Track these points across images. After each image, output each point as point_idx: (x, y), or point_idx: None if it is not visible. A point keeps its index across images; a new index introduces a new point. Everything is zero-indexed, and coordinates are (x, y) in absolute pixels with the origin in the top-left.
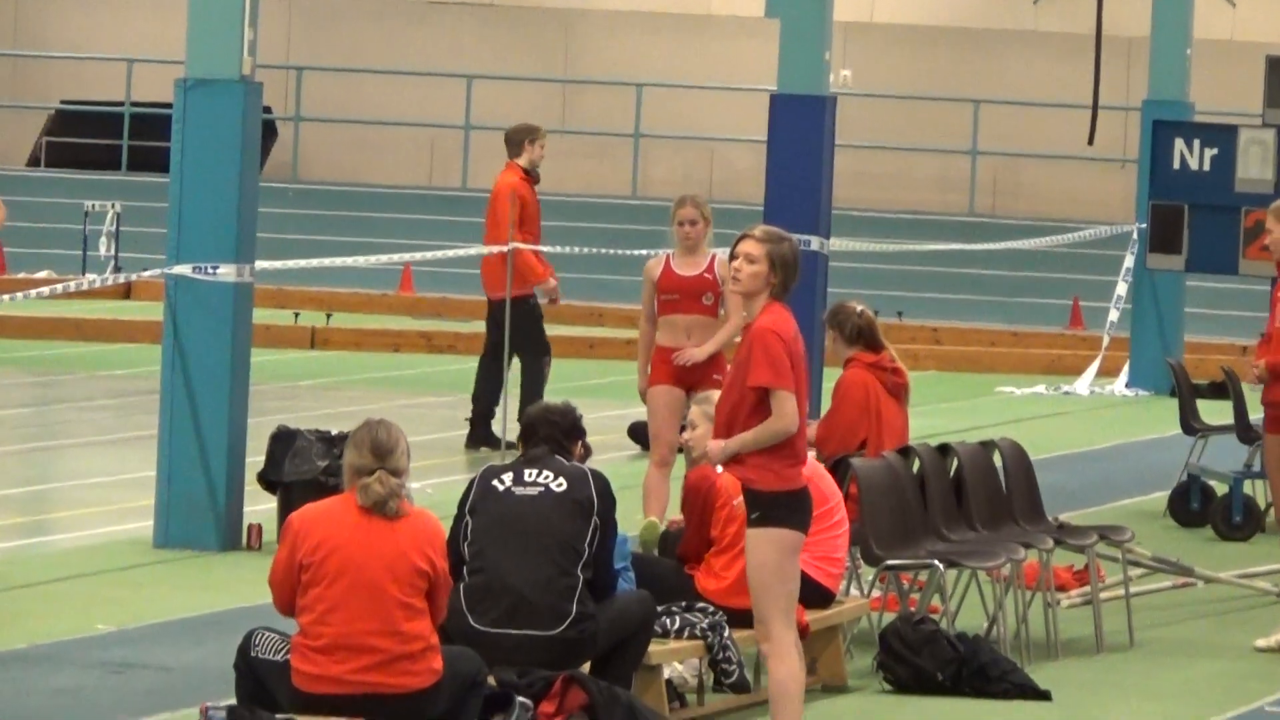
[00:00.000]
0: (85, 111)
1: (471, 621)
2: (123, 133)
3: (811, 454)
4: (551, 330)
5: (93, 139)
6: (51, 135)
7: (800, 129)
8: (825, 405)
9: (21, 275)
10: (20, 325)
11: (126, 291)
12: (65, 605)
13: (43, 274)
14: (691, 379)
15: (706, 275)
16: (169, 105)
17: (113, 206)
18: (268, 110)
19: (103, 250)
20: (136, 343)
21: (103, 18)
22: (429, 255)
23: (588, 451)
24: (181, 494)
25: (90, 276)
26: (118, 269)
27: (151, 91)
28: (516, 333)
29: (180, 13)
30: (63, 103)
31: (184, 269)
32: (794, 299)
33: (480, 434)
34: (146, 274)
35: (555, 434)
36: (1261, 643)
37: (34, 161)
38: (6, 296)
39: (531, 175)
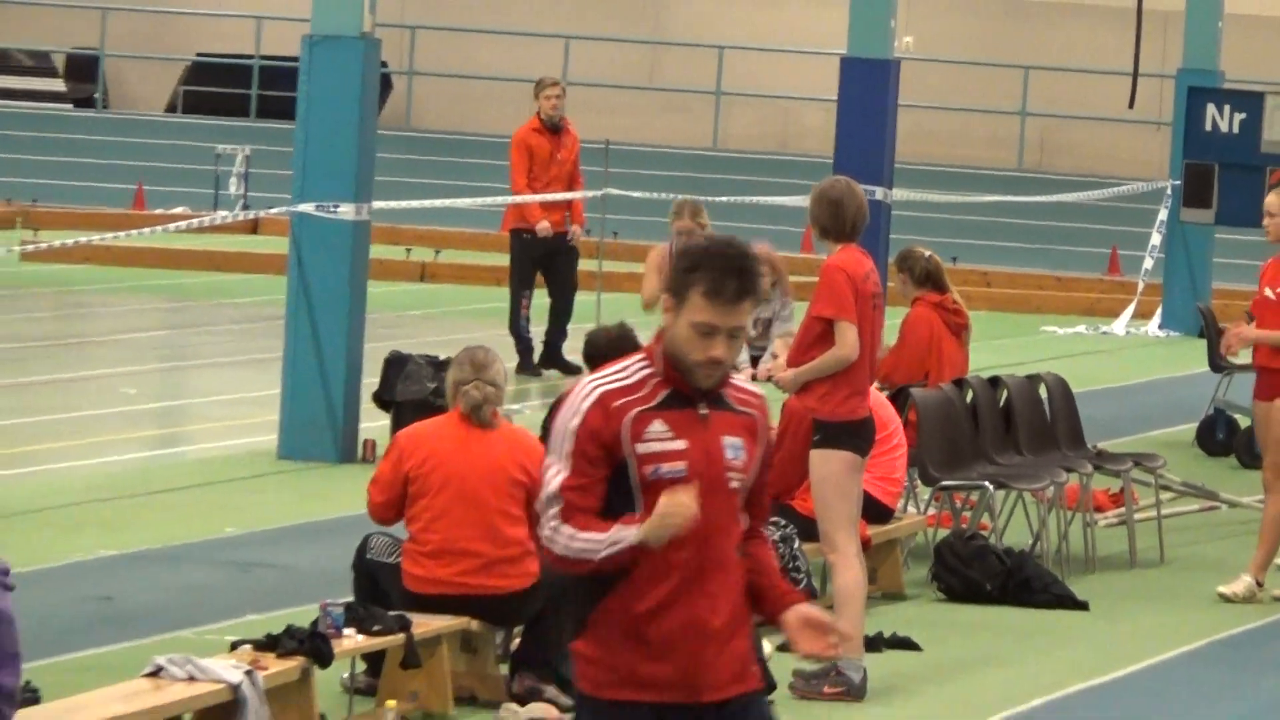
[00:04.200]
0: (219, 64)
1: None
2: (253, 83)
3: (874, 384)
4: (635, 269)
5: (225, 89)
6: (188, 85)
7: (867, 90)
8: (891, 341)
9: (159, 211)
10: (158, 256)
11: (254, 227)
12: (197, 510)
13: (178, 210)
14: None
15: None
16: (295, 59)
17: (242, 150)
18: (384, 65)
19: (233, 190)
20: (262, 274)
21: None
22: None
23: None
24: (303, 411)
25: (221, 213)
26: (246, 207)
27: (280, 46)
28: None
29: None
30: (198, 55)
31: (308, 207)
32: (860, 243)
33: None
34: (273, 211)
35: (625, 355)
36: (1224, 590)
37: (171, 108)
38: (146, 230)
39: (546, 124)
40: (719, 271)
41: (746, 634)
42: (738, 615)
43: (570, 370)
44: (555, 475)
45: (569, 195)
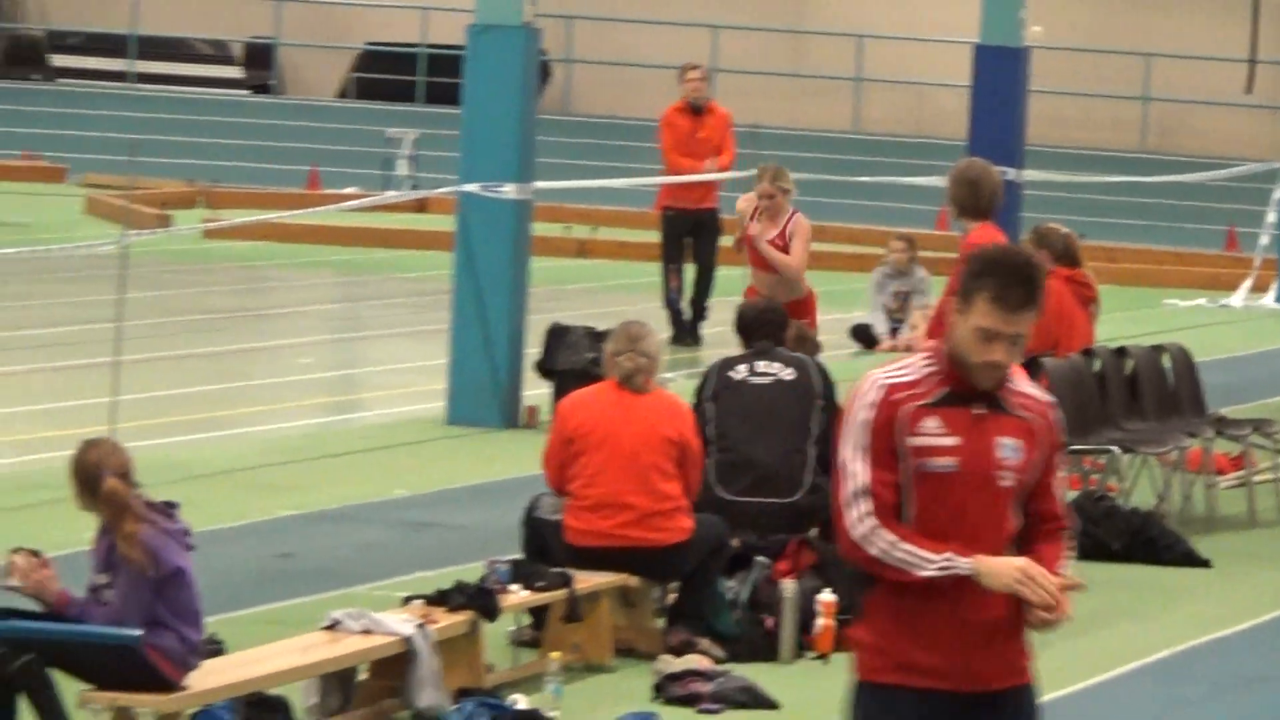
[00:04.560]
0: (388, 52)
1: (719, 492)
2: (420, 70)
3: None
4: None
5: (394, 75)
6: (358, 72)
7: (999, 76)
8: None
9: (332, 191)
10: (331, 233)
11: (422, 206)
12: (369, 472)
13: (350, 190)
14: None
15: (777, 241)
16: (461, 47)
17: (411, 134)
18: (544, 53)
19: (402, 171)
20: (430, 250)
21: None
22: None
23: (817, 346)
24: (469, 379)
25: (391, 193)
26: (415, 187)
27: (446, 35)
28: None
29: None
30: (369, 44)
31: (473, 187)
32: (994, 220)
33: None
34: (440, 191)
35: (771, 329)
36: None
37: (343, 94)
38: (320, 208)
39: (691, 106)
40: (1005, 279)
41: (1019, 627)
42: (1010, 609)
43: (697, 341)
44: (860, 469)
45: (713, 175)
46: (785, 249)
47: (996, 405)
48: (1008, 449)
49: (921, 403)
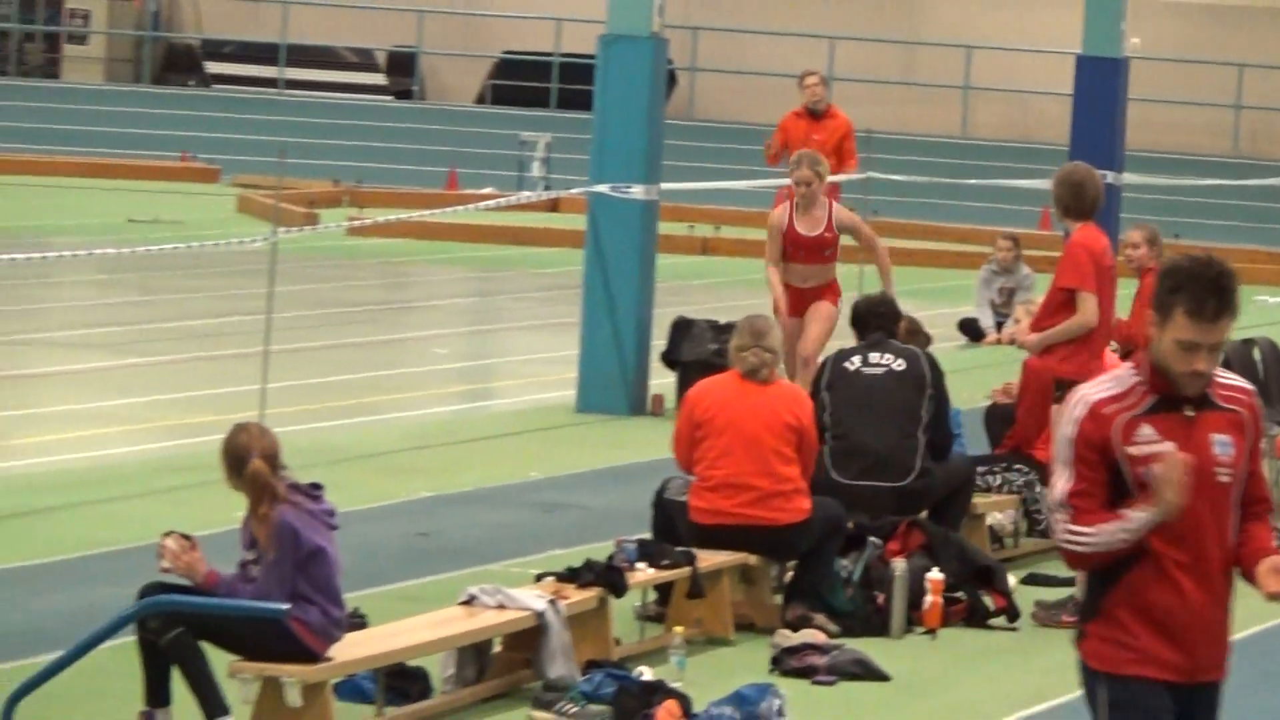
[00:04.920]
0: (523, 60)
1: (834, 476)
2: (553, 78)
3: (1110, 345)
4: (895, 243)
5: (529, 82)
6: (495, 79)
7: (1100, 85)
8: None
9: (469, 191)
10: (468, 231)
11: (554, 205)
12: (504, 457)
13: (486, 190)
14: (810, 301)
15: (826, 234)
16: (592, 56)
17: (544, 138)
18: (671, 62)
19: (535, 172)
20: (561, 247)
21: None
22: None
23: (928, 339)
24: (598, 369)
25: (525, 193)
26: (547, 188)
27: (578, 44)
28: None
29: None
30: (505, 53)
31: (603, 188)
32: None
33: None
34: (572, 192)
35: (884, 322)
36: None
37: (480, 100)
38: (458, 208)
39: (809, 111)
40: (1200, 292)
41: (1230, 622)
42: (1228, 604)
43: None
44: (1061, 483)
45: (835, 177)
46: (834, 239)
47: (1206, 404)
48: (1221, 446)
49: (1133, 413)
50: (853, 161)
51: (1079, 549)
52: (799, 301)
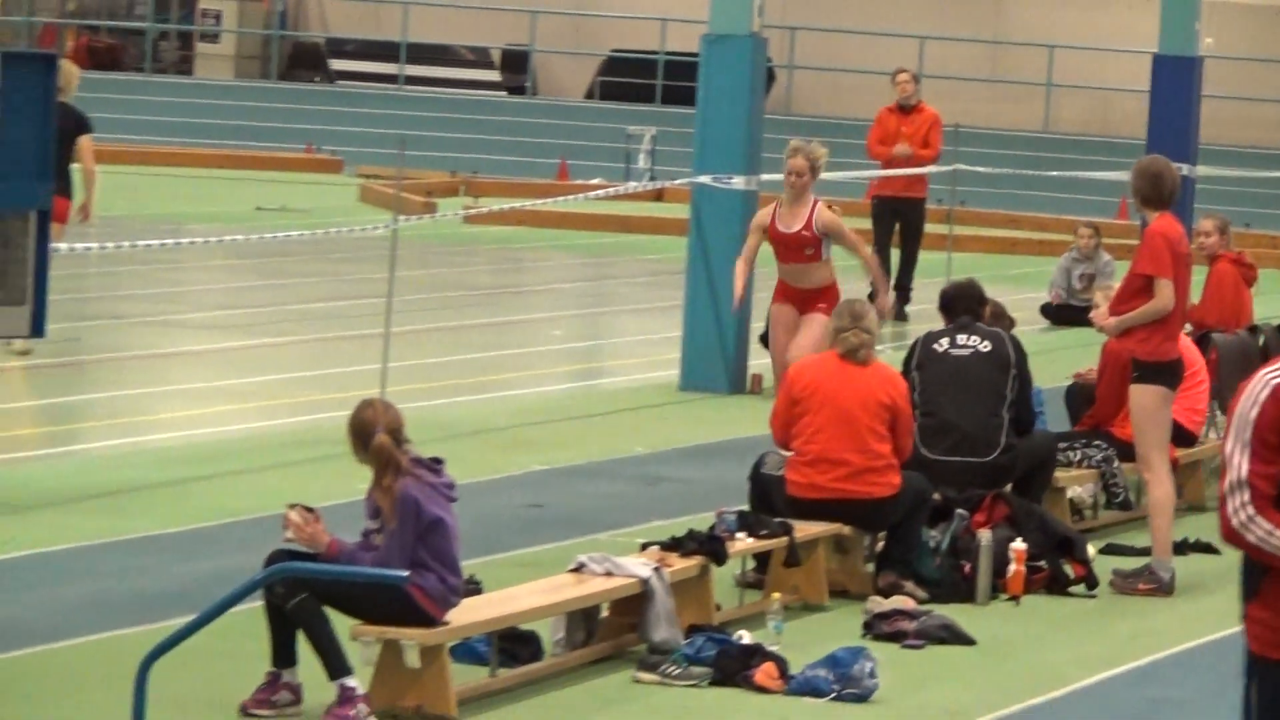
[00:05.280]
0: (630, 58)
1: (923, 452)
2: (658, 74)
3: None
4: (980, 232)
5: (635, 79)
6: (604, 76)
7: (1175, 82)
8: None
9: (580, 181)
10: (578, 219)
11: (659, 195)
12: (611, 432)
13: (595, 180)
14: (803, 306)
15: (804, 232)
16: (695, 54)
17: (649, 131)
18: (770, 60)
19: (641, 164)
20: (666, 235)
21: None
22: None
23: (1012, 322)
24: (700, 349)
25: (631, 183)
26: (653, 178)
27: (682, 43)
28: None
29: None
30: (613, 51)
31: (705, 178)
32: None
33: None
34: (676, 182)
35: (971, 305)
36: None
37: (589, 95)
38: (569, 197)
39: (900, 106)
40: None
41: None
42: None
43: (901, 318)
44: (1240, 462)
45: (915, 170)
46: (814, 239)
47: None
48: None
49: None
50: (929, 152)
51: (1253, 540)
52: (795, 299)
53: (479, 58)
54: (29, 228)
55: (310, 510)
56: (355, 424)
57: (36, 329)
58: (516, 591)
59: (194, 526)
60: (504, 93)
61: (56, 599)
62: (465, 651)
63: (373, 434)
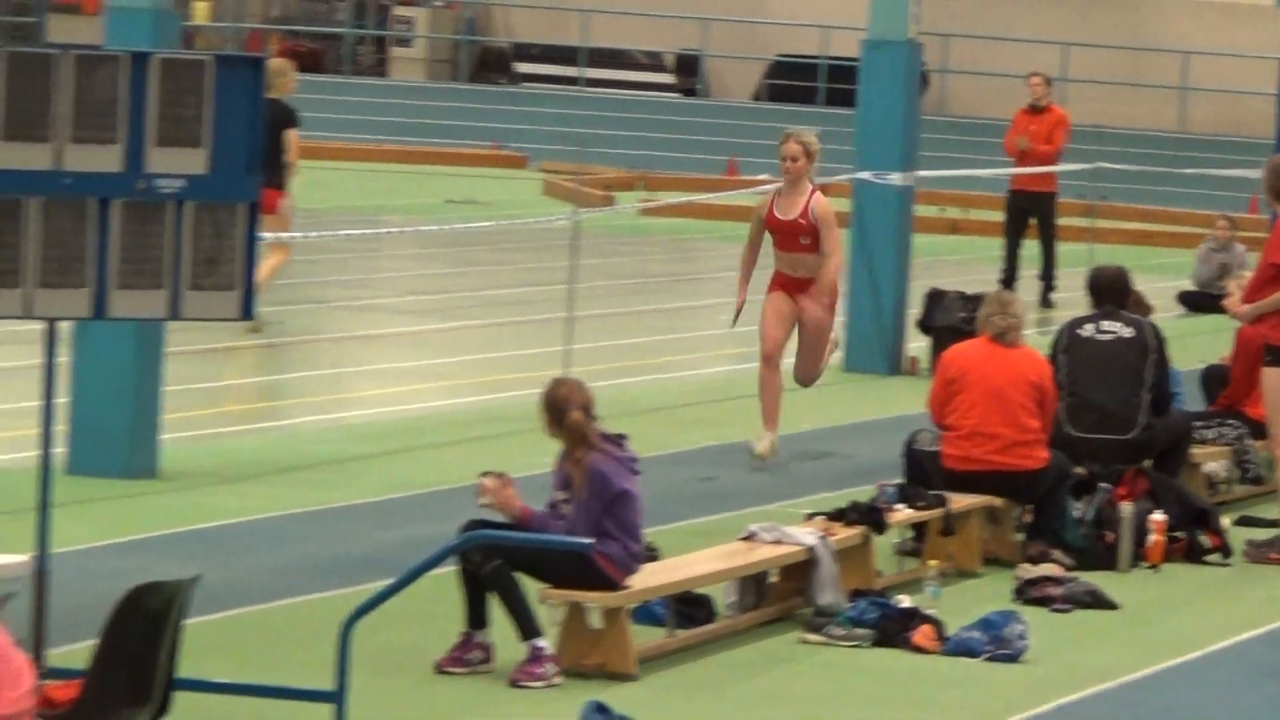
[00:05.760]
0: (795, 62)
1: (1069, 430)
2: (821, 78)
3: None
4: (1119, 225)
5: (799, 82)
6: (770, 79)
7: None
8: None
9: (747, 177)
10: (746, 212)
11: (821, 190)
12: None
13: (762, 176)
14: (799, 292)
15: (801, 220)
16: (855, 59)
17: (813, 130)
18: (924, 64)
19: None
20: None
21: None
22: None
23: (1150, 309)
24: (861, 333)
25: None
26: (815, 174)
27: (843, 49)
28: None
29: None
30: (779, 55)
31: (865, 175)
32: None
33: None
34: (838, 179)
35: (1115, 295)
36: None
37: (756, 97)
38: (737, 191)
39: (1032, 106)
40: None
41: None
42: None
43: (1047, 304)
44: None
45: (1042, 169)
46: (810, 228)
47: None
48: None
49: None
50: (1049, 148)
51: None
52: (791, 288)
53: (654, 62)
54: (238, 218)
55: (501, 476)
56: (549, 401)
57: (245, 312)
58: (692, 558)
59: (390, 497)
60: (677, 94)
61: (265, 563)
62: (644, 614)
63: (566, 410)
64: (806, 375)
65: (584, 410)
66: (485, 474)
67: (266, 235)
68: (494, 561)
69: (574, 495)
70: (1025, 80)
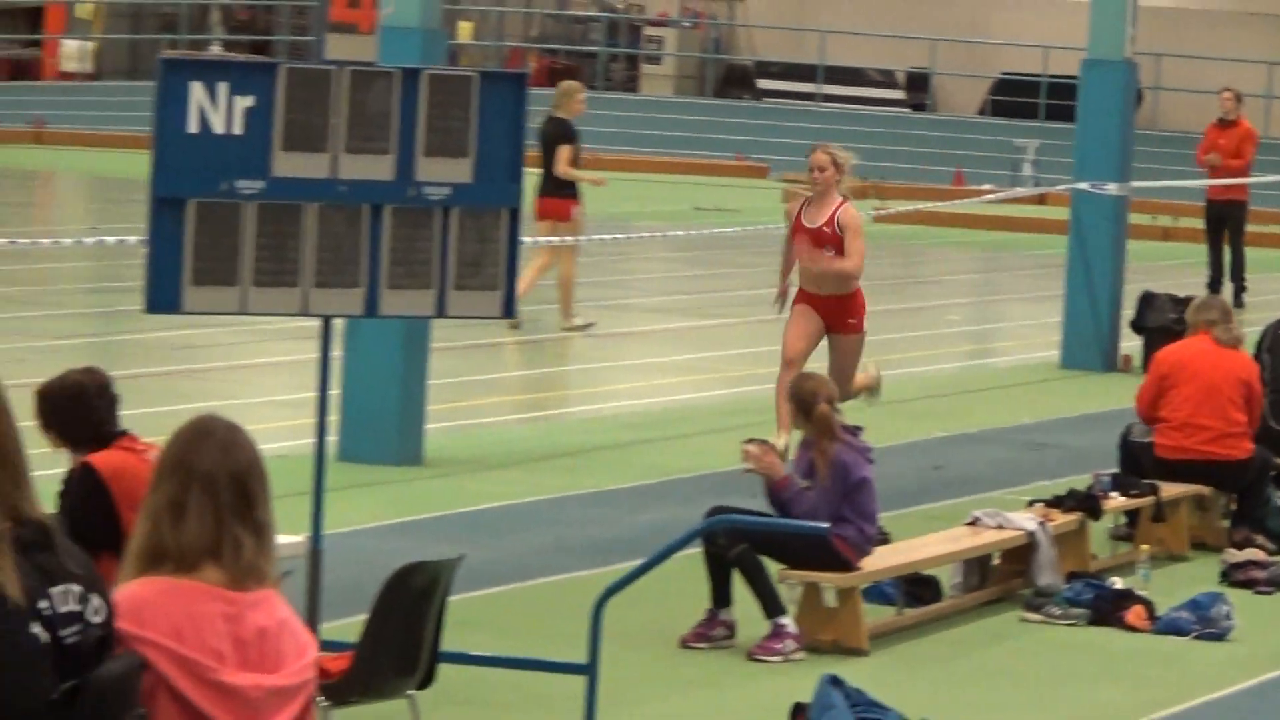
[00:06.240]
0: (1017, 80)
1: (1273, 424)
2: (1041, 94)
3: None
4: None
5: (1022, 98)
6: (994, 95)
7: None
8: None
9: (973, 187)
10: (971, 220)
11: (1041, 199)
12: (1001, 404)
13: (986, 186)
14: (829, 320)
15: (825, 229)
16: (1074, 77)
17: (1033, 144)
18: (1139, 82)
19: (1026, 172)
20: (1047, 234)
21: (1033, 16)
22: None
23: None
24: (1078, 333)
25: (1018, 189)
26: (1036, 185)
27: (1063, 67)
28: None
29: (1084, 14)
30: (1002, 74)
31: (1083, 185)
32: None
33: None
34: (1057, 189)
35: None
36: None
37: (981, 112)
38: (963, 201)
39: (1221, 120)
40: None
41: None
42: None
43: (1239, 305)
44: None
45: (1237, 180)
46: (834, 237)
47: None
48: None
49: None
50: (1238, 162)
51: None
52: (818, 306)
53: (886, 79)
54: (501, 223)
55: (765, 443)
56: (798, 394)
57: (507, 311)
58: (921, 542)
59: (640, 483)
60: (908, 109)
61: (523, 544)
62: (876, 593)
63: (815, 404)
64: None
65: (829, 403)
66: (749, 441)
67: (549, 239)
68: (741, 546)
69: (817, 482)
70: (1217, 95)
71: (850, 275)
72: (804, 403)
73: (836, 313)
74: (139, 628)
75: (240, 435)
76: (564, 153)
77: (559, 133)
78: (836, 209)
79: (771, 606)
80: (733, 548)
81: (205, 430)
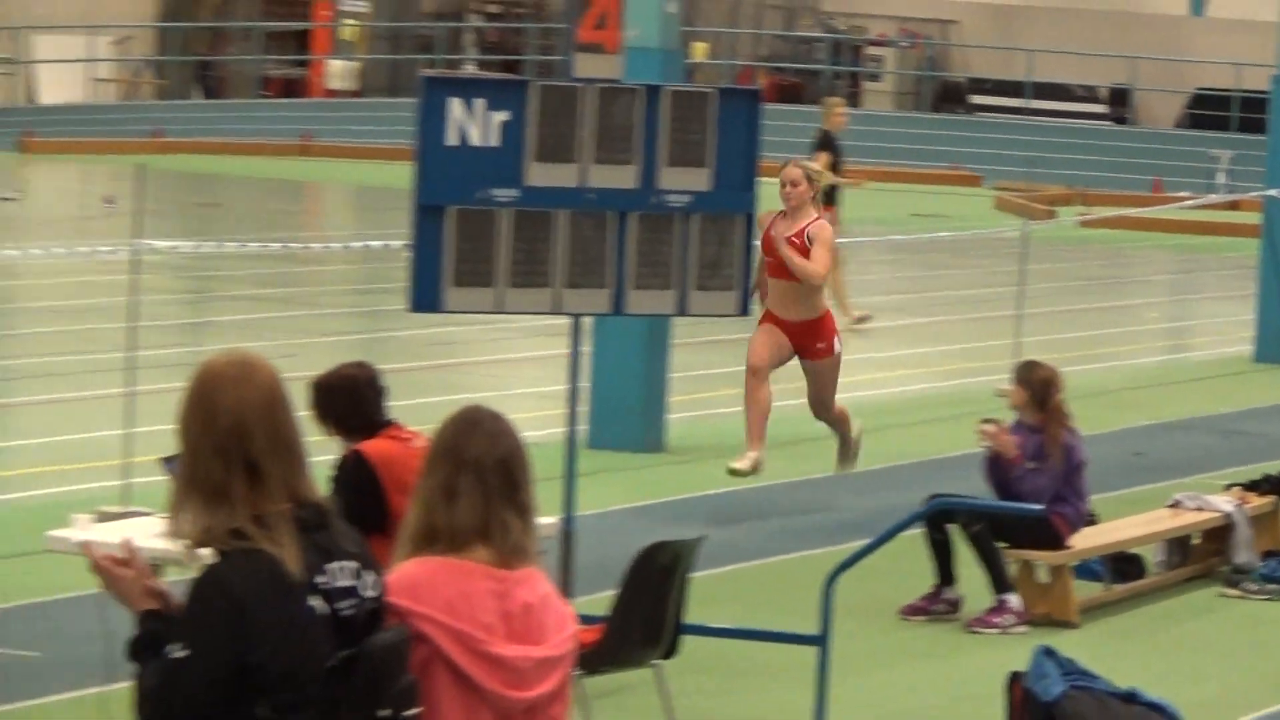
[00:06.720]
0: (1212, 94)
1: None
2: (1234, 107)
3: None
4: None
5: (1216, 111)
6: (1190, 109)
7: None
8: None
9: (1170, 194)
10: (1169, 224)
11: (1235, 205)
12: (1198, 394)
13: (1183, 194)
14: (798, 345)
15: (794, 240)
16: (1266, 91)
17: (1227, 153)
18: None
19: (1220, 180)
20: (1240, 237)
21: (1226, 35)
22: None
23: None
24: (1271, 328)
25: (1213, 196)
26: (1230, 192)
27: (1254, 83)
28: None
29: (1274, 33)
30: (1198, 89)
31: (1274, 192)
32: None
33: None
34: (1249, 195)
35: None
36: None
37: (1178, 124)
38: (1162, 207)
39: None
40: None
41: None
42: None
43: None
44: None
45: None
46: (803, 250)
47: None
48: None
49: None
50: None
51: None
52: (785, 331)
53: (1089, 94)
54: (737, 228)
55: (1000, 423)
56: (1033, 383)
57: (743, 309)
58: (1125, 523)
59: (866, 469)
60: (1109, 122)
61: (759, 526)
62: (1084, 570)
63: (1050, 394)
64: (815, 413)
65: (1060, 391)
66: (986, 420)
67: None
68: (978, 525)
69: (1046, 465)
70: None
71: (810, 275)
72: (1040, 391)
73: (805, 337)
74: (416, 603)
75: (505, 424)
76: (820, 160)
77: (817, 142)
78: (809, 223)
79: (1000, 582)
80: (972, 526)
81: (473, 420)
